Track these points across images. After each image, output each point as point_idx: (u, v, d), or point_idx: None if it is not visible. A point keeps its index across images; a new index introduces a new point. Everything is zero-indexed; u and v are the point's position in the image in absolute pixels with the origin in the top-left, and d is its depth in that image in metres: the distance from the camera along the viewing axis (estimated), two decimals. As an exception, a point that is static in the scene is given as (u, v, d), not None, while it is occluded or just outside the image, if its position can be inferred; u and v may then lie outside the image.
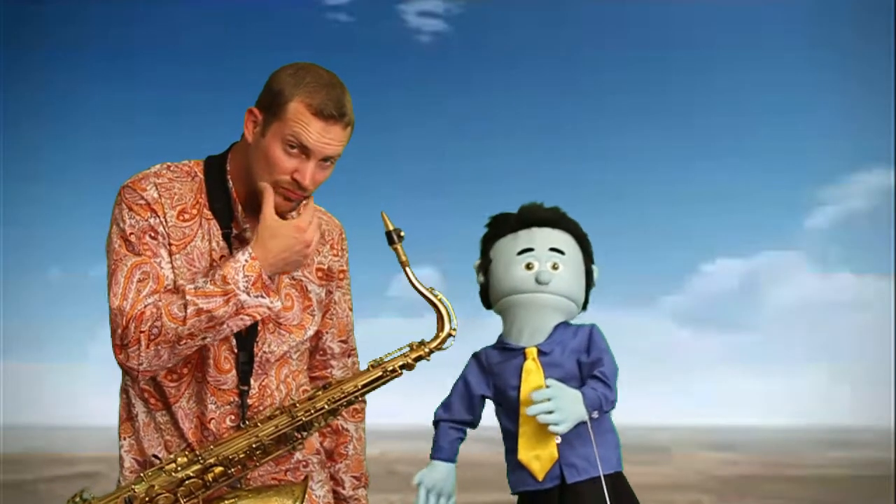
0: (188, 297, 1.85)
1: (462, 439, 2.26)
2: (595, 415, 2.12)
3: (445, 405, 2.27)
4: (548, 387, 2.10)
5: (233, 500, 1.94)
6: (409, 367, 2.02)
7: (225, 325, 1.87)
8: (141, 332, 1.85)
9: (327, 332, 2.17)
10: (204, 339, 1.88)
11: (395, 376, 2.01)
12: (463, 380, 2.27)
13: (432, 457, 2.24)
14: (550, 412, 2.05)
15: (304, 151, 1.90)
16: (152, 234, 1.92)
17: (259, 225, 1.90)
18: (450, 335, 2.04)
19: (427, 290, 2.03)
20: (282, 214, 1.94)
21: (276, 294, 1.90)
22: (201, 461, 1.90)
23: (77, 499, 1.86)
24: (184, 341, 1.86)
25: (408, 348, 2.02)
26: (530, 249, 2.23)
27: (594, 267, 2.28)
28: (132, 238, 1.92)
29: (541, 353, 2.19)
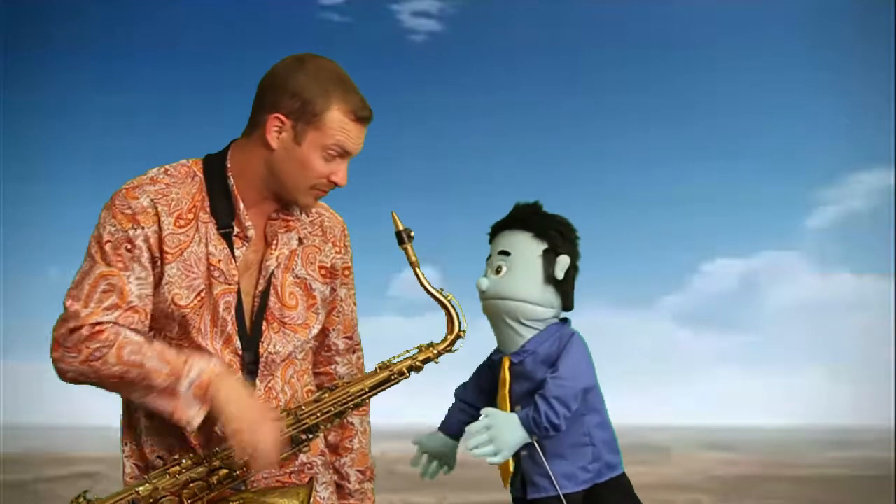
0: (144, 348, 1.85)
1: (469, 421, 2.20)
2: (535, 438, 2.09)
3: (464, 385, 2.31)
4: (485, 416, 2.09)
5: (237, 501, 1.94)
6: (416, 369, 2.02)
7: (149, 397, 1.86)
8: (87, 346, 1.85)
9: (333, 330, 2.17)
10: (129, 392, 1.88)
11: (403, 378, 2.01)
12: (479, 369, 2.30)
13: (439, 427, 2.29)
14: (488, 443, 2.05)
15: (343, 155, 1.94)
16: (129, 247, 1.90)
17: (234, 408, 1.85)
18: (459, 337, 2.03)
19: (437, 291, 2.02)
20: (308, 208, 2.01)
21: (201, 412, 1.87)
22: (206, 463, 1.90)
23: (80, 499, 1.86)
24: (114, 380, 1.87)
25: (416, 350, 2.02)
26: (490, 257, 2.23)
27: (560, 258, 2.17)
28: (107, 247, 1.90)
29: (512, 363, 2.17)
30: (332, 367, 2.18)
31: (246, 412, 1.85)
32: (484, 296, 2.19)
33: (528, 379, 2.14)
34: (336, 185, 1.97)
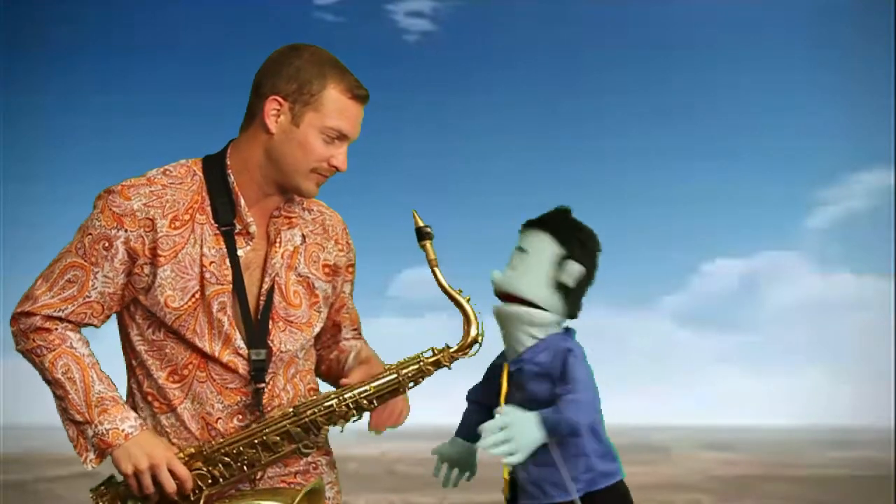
0: (76, 374, 1.90)
1: (485, 421, 2.10)
2: (554, 440, 2.02)
3: (476, 386, 2.25)
4: (502, 414, 2.00)
5: (226, 500, 1.94)
6: (426, 374, 1.99)
7: (63, 417, 1.93)
8: (34, 339, 1.92)
9: (344, 326, 2.19)
10: (54, 400, 1.94)
11: (412, 387, 2.00)
12: (490, 369, 2.22)
13: (456, 433, 2.23)
14: (506, 441, 1.97)
15: (342, 138, 1.94)
16: (105, 245, 1.92)
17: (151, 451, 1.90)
18: (475, 341, 2.00)
19: (455, 291, 1.98)
20: (310, 195, 2.00)
21: (96, 461, 1.92)
22: (206, 452, 1.92)
23: (101, 488, 1.94)
24: (45, 382, 1.94)
25: (430, 353, 1.99)
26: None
27: (573, 265, 2.12)
28: (87, 239, 1.93)
29: (510, 371, 2.12)
30: (341, 343, 2.20)
31: (144, 459, 1.88)
32: (494, 287, 2.15)
33: (520, 389, 2.11)
34: (336, 169, 1.97)
